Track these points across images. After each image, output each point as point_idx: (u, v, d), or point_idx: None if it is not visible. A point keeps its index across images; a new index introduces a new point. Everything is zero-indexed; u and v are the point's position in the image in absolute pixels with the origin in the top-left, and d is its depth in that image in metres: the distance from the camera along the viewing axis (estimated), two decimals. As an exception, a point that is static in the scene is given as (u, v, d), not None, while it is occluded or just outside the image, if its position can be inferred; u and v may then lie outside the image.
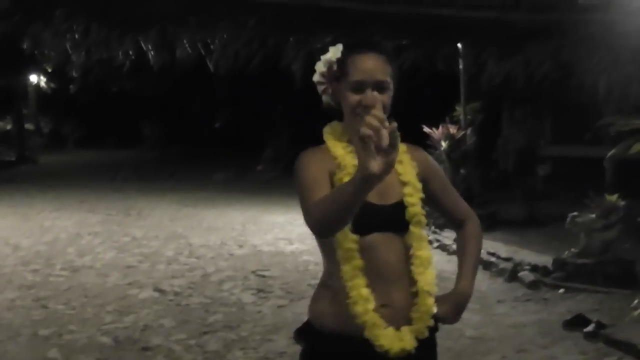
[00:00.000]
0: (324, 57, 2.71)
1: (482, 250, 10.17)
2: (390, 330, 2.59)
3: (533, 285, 8.66)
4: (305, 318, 2.75)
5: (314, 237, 2.59)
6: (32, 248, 11.01)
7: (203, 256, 10.50)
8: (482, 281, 9.04)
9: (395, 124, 2.09)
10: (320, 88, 2.74)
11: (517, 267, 9.23)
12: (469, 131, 12.95)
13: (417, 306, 2.64)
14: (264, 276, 9.27)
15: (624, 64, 8.40)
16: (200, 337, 6.92)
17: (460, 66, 9.15)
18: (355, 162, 2.54)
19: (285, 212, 13.44)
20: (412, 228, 2.65)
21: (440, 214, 2.88)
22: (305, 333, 2.74)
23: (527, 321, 7.43)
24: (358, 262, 2.56)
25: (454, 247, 9.94)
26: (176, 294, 8.46)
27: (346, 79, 2.61)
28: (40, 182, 19.86)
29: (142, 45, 7.07)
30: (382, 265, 2.60)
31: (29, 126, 28.73)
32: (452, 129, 12.72)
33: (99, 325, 7.26)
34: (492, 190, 15.25)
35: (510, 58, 8.48)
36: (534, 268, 9.18)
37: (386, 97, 2.60)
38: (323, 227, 2.38)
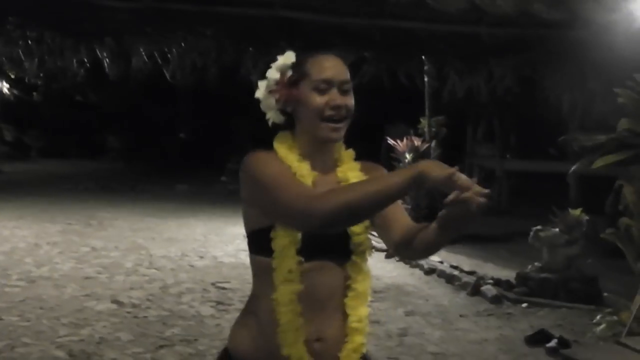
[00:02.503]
0: (275, 64, 2.52)
1: (445, 264, 10.19)
2: None
3: (495, 300, 8.63)
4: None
5: (247, 250, 2.49)
6: (-12, 258, 10.78)
7: (163, 267, 10.34)
8: (445, 295, 9.01)
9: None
10: (269, 101, 2.52)
11: (480, 281, 9.20)
12: (433, 144, 12.94)
13: (346, 344, 2.50)
14: (224, 288, 9.14)
15: (587, 80, 8.42)
16: (156, 351, 6.77)
17: (425, 79, 9.11)
18: (312, 173, 2.45)
19: (248, 224, 13.24)
20: (354, 258, 2.48)
21: (380, 228, 2.59)
22: None
23: (489, 337, 7.38)
24: (297, 286, 2.39)
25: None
26: (134, 306, 8.30)
27: (308, 80, 2.43)
28: (1, 191, 19.54)
29: (98, 53, 6.95)
30: (318, 294, 2.43)
31: (-9, 134, 28.33)
32: (417, 142, 12.70)
33: (53, 339, 7.08)
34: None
35: (473, 72, 8.47)
36: (497, 282, 9.17)
37: (351, 99, 2.45)
38: (342, 218, 2.22)
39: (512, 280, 9.12)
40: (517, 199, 17.09)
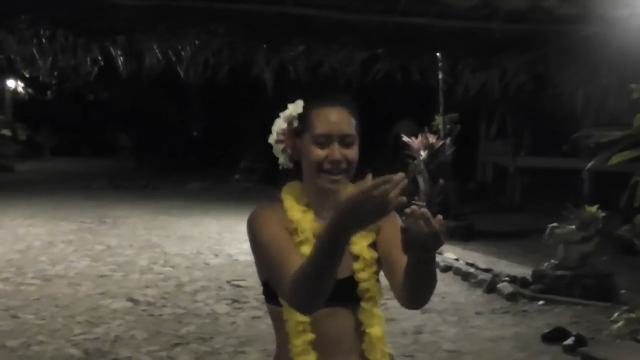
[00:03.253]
0: (283, 114, 2.53)
1: (461, 262, 10.16)
2: None
3: (511, 297, 8.59)
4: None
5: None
6: (4, 256, 10.80)
7: (178, 265, 10.36)
8: (460, 292, 8.99)
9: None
10: (278, 147, 2.54)
11: (496, 278, 9.17)
12: (447, 141, 12.87)
13: None
14: (239, 286, 9.15)
15: (601, 76, 8.37)
16: (171, 349, 6.78)
17: (440, 76, 9.07)
18: (314, 225, 2.43)
19: (261, 222, 13.21)
20: (363, 304, 2.46)
21: (387, 275, 2.48)
22: None
23: (505, 334, 7.35)
24: (309, 336, 2.41)
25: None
26: (149, 304, 8.32)
27: (309, 133, 2.42)
28: (15, 189, 19.61)
29: (112, 52, 6.94)
30: (332, 339, 2.44)
31: (5, 132, 28.35)
32: (432, 139, 12.63)
33: (68, 337, 7.10)
34: (470, 201, 15.25)
35: (486, 69, 8.43)
36: (513, 279, 9.13)
37: (352, 152, 2.42)
38: (309, 304, 2.18)
39: (528, 277, 9.08)
40: (531, 196, 17.05)
